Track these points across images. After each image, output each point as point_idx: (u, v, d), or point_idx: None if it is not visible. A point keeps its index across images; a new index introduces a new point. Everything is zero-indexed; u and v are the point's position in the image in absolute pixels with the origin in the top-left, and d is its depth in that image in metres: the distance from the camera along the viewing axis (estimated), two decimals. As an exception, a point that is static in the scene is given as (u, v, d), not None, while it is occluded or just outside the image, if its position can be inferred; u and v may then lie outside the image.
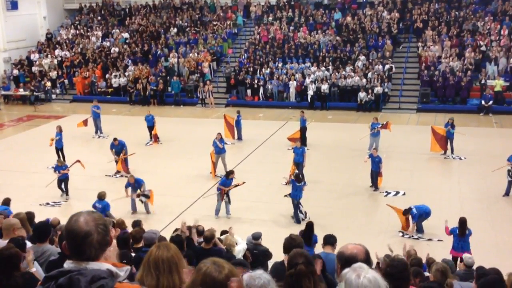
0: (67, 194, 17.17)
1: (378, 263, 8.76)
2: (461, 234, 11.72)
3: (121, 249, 7.57)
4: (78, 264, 2.56)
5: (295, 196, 14.99)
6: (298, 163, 17.52)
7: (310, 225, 11.25)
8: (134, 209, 15.90)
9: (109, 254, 2.69)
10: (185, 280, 2.88)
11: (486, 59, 28.99)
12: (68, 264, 2.58)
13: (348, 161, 20.17)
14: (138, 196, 15.86)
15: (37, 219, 9.50)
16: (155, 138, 23.19)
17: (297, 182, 14.95)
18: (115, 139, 19.43)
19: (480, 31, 30.44)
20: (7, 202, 12.88)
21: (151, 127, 23.35)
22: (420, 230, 13.99)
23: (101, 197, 14.55)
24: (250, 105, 29.49)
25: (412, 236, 13.91)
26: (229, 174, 15.78)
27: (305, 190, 15.42)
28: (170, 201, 16.90)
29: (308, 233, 11.14)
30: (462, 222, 11.77)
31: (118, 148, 19.25)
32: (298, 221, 14.83)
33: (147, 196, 15.87)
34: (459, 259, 11.13)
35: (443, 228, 12.38)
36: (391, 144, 21.35)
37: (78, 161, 17.71)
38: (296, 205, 15.07)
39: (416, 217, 13.88)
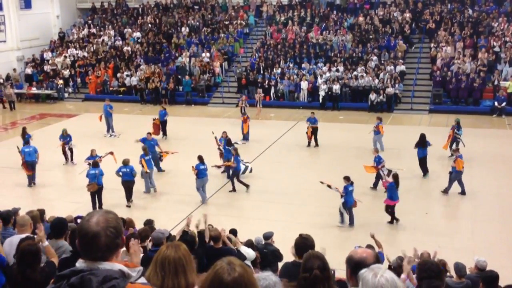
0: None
1: (389, 265, 8.72)
2: (397, 186, 14.62)
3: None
4: (90, 264, 2.56)
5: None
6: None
7: (423, 135, 18.35)
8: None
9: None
10: (194, 282, 2.85)
11: (499, 60, 28.75)
12: (80, 264, 2.59)
13: (358, 161, 20.05)
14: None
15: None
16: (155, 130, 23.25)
17: (238, 156, 17.47)
18: (149, 133, 19.70)
19: (493, 32, 30.20)
20: (127, 162, 16.20)
21: (163, 122, 23.50)
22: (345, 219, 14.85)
23: (126, 163, 16.15)
24: (261, 105, 29.45)
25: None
26: (230, 142, 18.49)
27: (313, 193, 15.45)
28: (180, 200, 16.95)
29: (422, 140, 18.18)
30: (396, 176, 14.86)
31: (151, 143, 19.11)
32: (234, 189, 17.37)
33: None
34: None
35: (449, 227, 12.33)
36: (403, 145, 21.23)
37: (111, 153, 18.02)
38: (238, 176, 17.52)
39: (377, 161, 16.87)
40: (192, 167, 16.39)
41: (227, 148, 18.37)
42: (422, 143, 18.33)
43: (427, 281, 4.14)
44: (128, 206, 16.40)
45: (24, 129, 20.76)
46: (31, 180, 18.44)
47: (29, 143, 18.98)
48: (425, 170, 18.44)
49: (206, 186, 16.75)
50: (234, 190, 17.43)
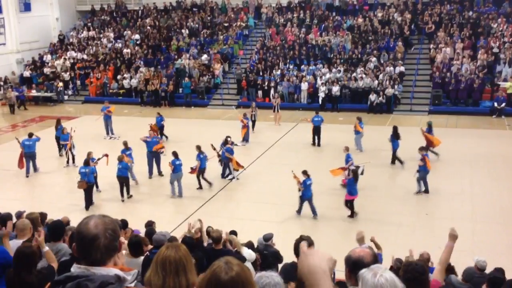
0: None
1: (391, 266, 8.71)
2: (356, 181, 15.11)
3: (134, 252, 7.49)
4: (86, 269, 2.55)
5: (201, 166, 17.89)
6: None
7: (395, 127, 19.86)
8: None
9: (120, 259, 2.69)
10: (194, 282, 2.86)
11: (499, 61, 28.77)
12: (75, 269, 2.58)
13: (358, 162, 20.05)
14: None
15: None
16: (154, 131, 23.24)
17: (201, 154, 17.83)
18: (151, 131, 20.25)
19: (492, 33, 30.22)
20: (120, 158, 16.85)
21: (160, 128, 23.52)
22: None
23: (119, 159, 16.89)
24: (261, 107, 29.41)
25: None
26: (227, 142, 18.70)
27: (313, 194, 15.51)
28: (181, 202, 16.94)
29: (395, 131, 19.59)
30: (356, 172, 15.45)
31: (154, 140, 19.44)
32: (200, 187, 17.78)
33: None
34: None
35: (449, 228, 12.30)
36: (402, 146, 21.22)
37: (106, 155, 17.99)
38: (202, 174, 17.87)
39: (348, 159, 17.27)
40: (169, 163, 17.04)
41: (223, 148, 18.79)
42: (396, 135, 19.55)
43: (413, 282, 4.15)
44: (122, 201, 17.01)
45: (58, 121, 22.29)
46: (28, 171, 19.45)
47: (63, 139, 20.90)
48: (394, 160, 19.66)
49: (181, 182, 17.22)
50: (200, 187, 17.90)
